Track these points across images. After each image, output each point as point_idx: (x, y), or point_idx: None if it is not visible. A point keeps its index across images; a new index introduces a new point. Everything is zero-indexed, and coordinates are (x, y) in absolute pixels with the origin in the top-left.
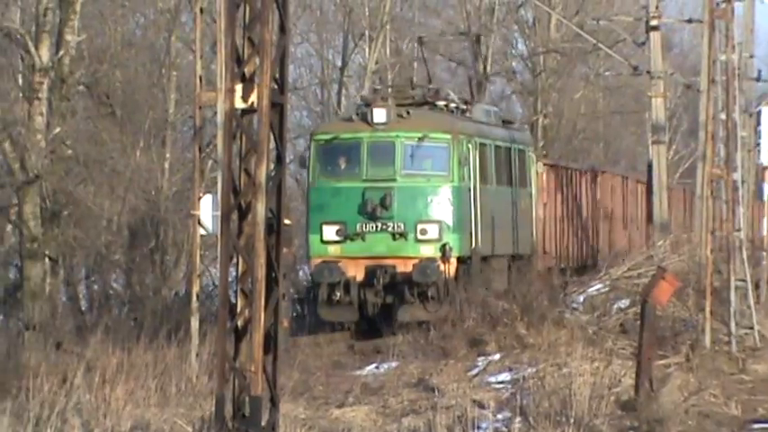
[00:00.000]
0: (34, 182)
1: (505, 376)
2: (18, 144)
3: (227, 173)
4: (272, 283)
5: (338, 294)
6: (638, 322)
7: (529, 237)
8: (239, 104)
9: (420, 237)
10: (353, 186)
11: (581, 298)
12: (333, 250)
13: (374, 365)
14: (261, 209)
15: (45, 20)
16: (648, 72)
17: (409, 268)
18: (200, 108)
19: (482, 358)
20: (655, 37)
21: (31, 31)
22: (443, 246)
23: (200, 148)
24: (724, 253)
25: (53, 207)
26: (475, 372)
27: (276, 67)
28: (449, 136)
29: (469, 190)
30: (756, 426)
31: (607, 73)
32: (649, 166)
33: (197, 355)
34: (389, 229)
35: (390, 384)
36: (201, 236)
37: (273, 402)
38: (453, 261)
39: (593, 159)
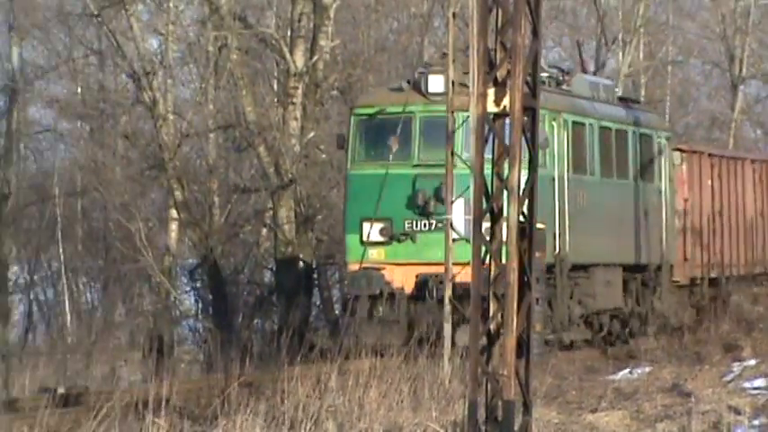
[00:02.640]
0: (289, 186)
1: (761, 382)
2: (273, 148)
3: (480, 177)
4: (524, 287)
5: (381, 309)
6: None
7: (657, 242)
8: (491, 108)
9: None
10: (402, 174)
11: None
12: (375, 254)
13: (627, 370)
14: (513, 213)
15: (300, 26)
16: None
17: (470, 277)
18: (452, 113)
19: (737, 364)
20: None
21: (285, 37)
22: None
23: (452, 152)
24: None
25: (307, 211)
26: (730, 377)
27: (528, 72)
28: None
29: (553, 180)
30: None
31: None
32: None
33: (449, 358)
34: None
35: (644, 389)
36: (453, 240)
37: (526, 407)
38: None
39: None
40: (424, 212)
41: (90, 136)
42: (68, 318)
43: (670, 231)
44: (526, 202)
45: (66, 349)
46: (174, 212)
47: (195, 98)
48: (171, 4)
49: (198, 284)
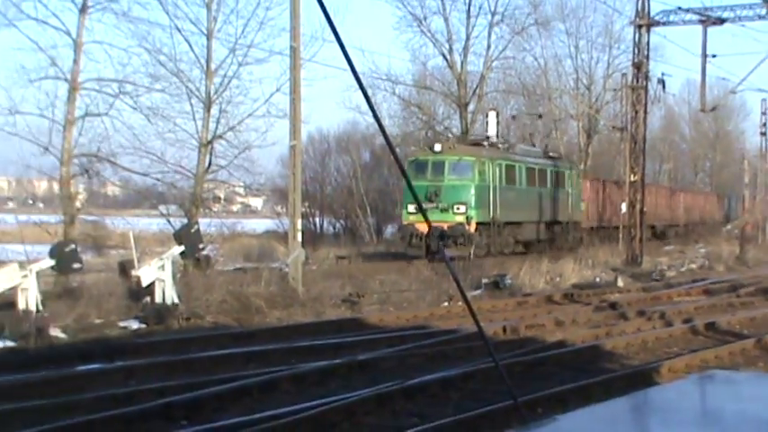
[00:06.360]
0: None
1: None
2: None
3: None
4: None
5: (414, 241)
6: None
7: (567, 210)
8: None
9: (455, 211)
10: (423, 184)
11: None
12: (412, 218)
13: None
14: None
15: None
16: None
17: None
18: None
19: None
20: None
21: None
22: (467, 216)
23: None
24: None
25: None
26: None
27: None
28: (473, 158)
29: (488, 188)
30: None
31: None
32: None
33: (622, 244)
34: (440, 206)
35: None
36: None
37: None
38: (473, 224)
39: None
40: (431, 200)
41: None
42: None
43: (575, 205)
44: None
45: None
46: None
47: None
48: None
49: None
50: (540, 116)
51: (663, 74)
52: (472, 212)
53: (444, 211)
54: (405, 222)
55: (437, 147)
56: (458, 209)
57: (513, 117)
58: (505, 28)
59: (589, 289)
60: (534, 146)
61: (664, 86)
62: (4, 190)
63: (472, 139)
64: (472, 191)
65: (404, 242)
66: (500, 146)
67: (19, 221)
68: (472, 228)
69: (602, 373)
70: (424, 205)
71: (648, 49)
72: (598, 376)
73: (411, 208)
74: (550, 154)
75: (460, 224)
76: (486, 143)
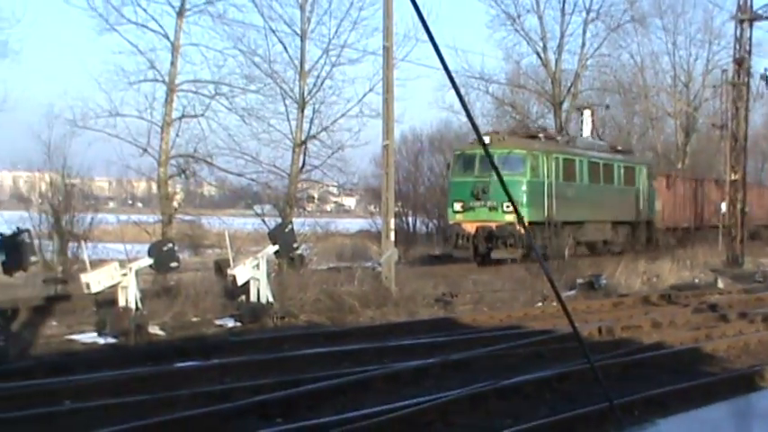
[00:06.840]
0: None
1: None
2: None
3: None
4: None
5: (461, 241)
6: None
7: (638, 209)
8: (732, 178)
9: (505, 210)
10: (470, 180)
11: None
12: (459, 216)
13: None
14: None
15: None
16: None
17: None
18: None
19: None
20: None
21: None
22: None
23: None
24: None
25: None
26: None
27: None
28: (525, 151)
29: (542, 184)
30: None
31: None
32: None
33: (721, 243)
34: (488, 205)
35: None
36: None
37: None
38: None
39: None
40: (478, 198)
41: None
42: None
43: (648, 204)
44: None
45: None
46: None
47: None
48: None
49: None
50: (608, 107)
51: (766, 69)
52: (525, 211)
53: (493, 209)
54: (450, 222)
55: (486, 139)
56: (507, 207)
57: (578, 109)
58: (601, 25)
59: (687, 290)
60: (601, 140)
61: (767, 82)
62: (105, 190)
63: (525, 131)
64: (524, 187)
65: (450, 243)
66: (558, 138)
67: (119, 221)
68: (522, 228)
69: (702, 377)
70: (471, 203)
71: (751, 45)
72: (698, 380)
73: (457, 206)
74: (618, 148)
75: (510, 224)
76: (541, 135)
